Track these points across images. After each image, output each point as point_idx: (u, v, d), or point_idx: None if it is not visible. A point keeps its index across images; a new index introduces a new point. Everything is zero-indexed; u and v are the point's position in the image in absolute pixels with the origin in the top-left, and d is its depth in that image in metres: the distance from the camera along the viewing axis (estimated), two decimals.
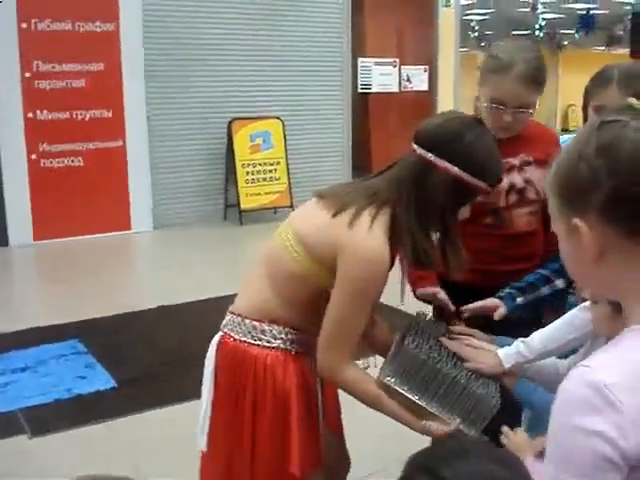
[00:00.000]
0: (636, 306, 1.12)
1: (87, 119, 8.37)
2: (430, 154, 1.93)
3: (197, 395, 4.34)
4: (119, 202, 8.60)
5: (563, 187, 1.15)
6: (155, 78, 8.77)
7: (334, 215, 1.94)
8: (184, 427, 3.88)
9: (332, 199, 2.00)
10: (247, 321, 2.09)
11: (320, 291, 1.98)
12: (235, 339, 2.10)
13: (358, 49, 10.58)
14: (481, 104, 2.50)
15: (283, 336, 2.05)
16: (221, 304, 6.48)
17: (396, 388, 1.91)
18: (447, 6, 11.21)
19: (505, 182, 2.47)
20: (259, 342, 2.06)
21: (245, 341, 2.08)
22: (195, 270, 7.16)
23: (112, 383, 4.47)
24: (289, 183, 9.58)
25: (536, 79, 2.46)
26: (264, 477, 2.07)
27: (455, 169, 1.91)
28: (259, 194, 9.38)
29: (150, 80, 8.72)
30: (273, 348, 2.05)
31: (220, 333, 2.17)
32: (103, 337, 5.30)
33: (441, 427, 1.88)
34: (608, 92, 2.32)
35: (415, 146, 1.98)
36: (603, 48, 21.78)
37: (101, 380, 4.51)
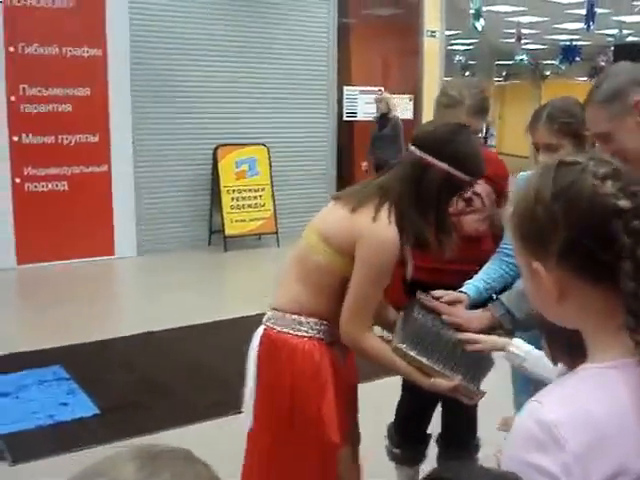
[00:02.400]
0: (592, 346, 1.15)
1: (73, 144, 8.38)
2: (426, 155, 2.27)
3: (181, 422, 4.35)
4: (103, 227, 8.59)
5: (522, 229, 1.17)
6: (141, 104, 8.79)
7: (352, 210, 2.28)
8: None
9: (348, 198, 2.35)
10: (287, 315, 2.39)
11: (345, 280, 2.30)
12: (277, 330, 2.40)
13: (344, 78, 10.67)
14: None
15: (318, 327, 2.37)
16: (205, 330, 6.54)
17: (407, 352, 2.22)
18: (432, 36, 11.33)
19: None
20: (298, 332, 2.37)
21: (287, 332, 2.38)
22: (179, 296, 7.14)
23: (94, 410, 4.43)
24: (274, 210, 9.60)
25: (481, 109, 2.88)
26: (304, 450, 2.38)
27: (445, 166, 2.25)
28: (244, 220, 9.39)
29: (136, 106, 8.75)
30: (309, 337, 2.37)
31: (263, 327, 2.46)
32: (86, 363, 5.27)
33: (446, 383, 2.19)
34: (539, 129, 2.62)
35: (413, 148, 2.32)
36: (586, 78, 22.06)
37: (83, 407, 4.48)
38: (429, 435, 3.26)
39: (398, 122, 9.91)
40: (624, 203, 1.08)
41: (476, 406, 2.94)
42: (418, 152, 2.30)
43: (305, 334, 2.37)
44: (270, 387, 2.42)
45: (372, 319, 2.33)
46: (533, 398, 1.12)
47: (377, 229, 2.23)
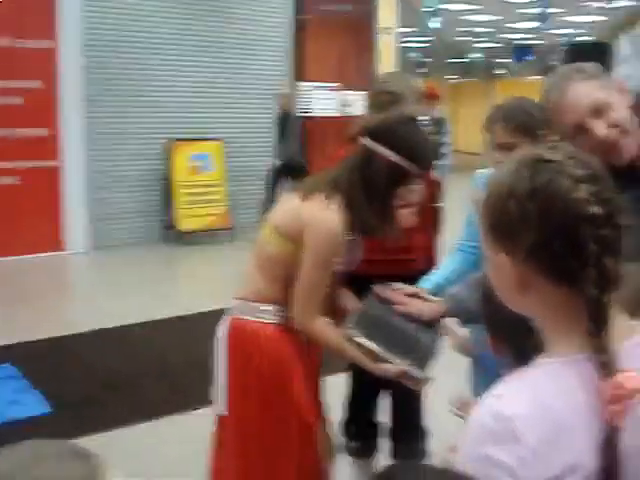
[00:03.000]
0: (549, 340, 1.16)
1: (23, 137, 8.23)
2: (374, 143, 2.32)
3: (136, 419, 4.30)
4: (53, 222, 8.47)
5: (491, 220, 1.16)
6: (94, 97, 8.68)
7: (302, 199, 2.36)
8: (122, 452, 3.84)
9: (302, 189, 2.42)
10: (249, 303, 2.47)
11: (297, 267, 2.36)
12: (241, 319, 2.48)
13: (298, 73, 10.65)
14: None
15: (279, 314, 2.44)
16: (159, 326, 6.47)
17: (356, 338, 2.26)
18: (386, 33, 11.37)
19: None
20: (259, 319, 2.46)
21: (249, 319, 2.47)
22: (132, 292, 7.07)
23: (47, 408, 4.36)
24: (229, 205, 9.56)
25: (419, 100, 3.11)
26: (273, 430, 2.46)
27: (391, 154, 2.29)
28: (198, 216, 9.33)
29: (88, 99, 8.63)
30: (271, 323, 2.45)
31: (228, 317, 2.53)
32: (37, 361, 5.18)
33: (393, 368, 2.22)
34: (495, 128, 2.65)
35: (360, 137, 2.36)
36: (538, 77, 22.35)
37: (35, 405, 4.39)
38: (378, 423, 3.32)
39: (297, 121, 9.55)
40: (596, 209, 1.07)
41: (419, 397, 3.12)
42: (365, 140, 2.35)
43: (266, 320, 2.45)
44: (241, 372, 2.49)
45: (320, 304, 2.38)
46: (489, 392, 1.12)
47: (323, 217, 2.30)
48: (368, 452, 3.30)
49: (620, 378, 1.04)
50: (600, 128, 1.98)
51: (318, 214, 2.31)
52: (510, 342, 1.66)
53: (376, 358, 2.25)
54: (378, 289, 2.48)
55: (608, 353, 1.07)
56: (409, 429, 3.27)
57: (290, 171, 9.18)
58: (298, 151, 9.22)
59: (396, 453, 3.24)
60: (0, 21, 8.00)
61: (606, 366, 1.06)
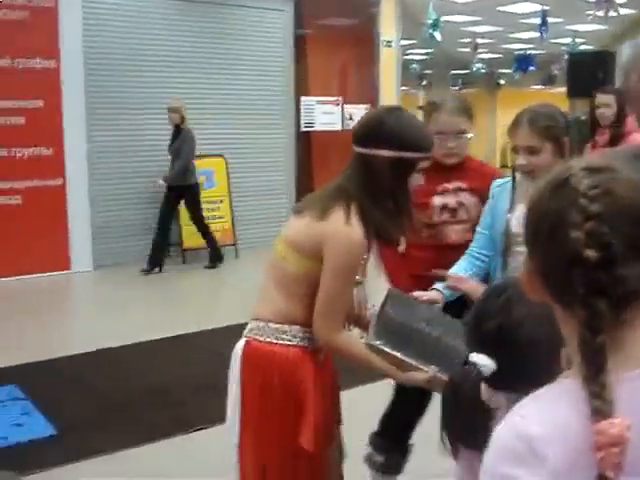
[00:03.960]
0: (573, 356, 1.12)
1: (26, 157, 8.24)
2: (363, 148, 2.31)
3: (139, 441, 4.26)
4: (58, 241, 8.45)
5: (526, 225, 1.14)
6: (96, 116, 8.69)
7: (320, 217, 2.30)
8: (126, 475, 3.81)
9: (311, 208, 2.36)
10: (270, 324, 2.39)
11: (318, 284, 2.33)
12: (260, 341, 2.39)
13: (301, 88, 10.65)
14: None
15: (301, 334, 2.38)
16: (163, 346, 6.43)
17: (380, 347, 2.23)
18: (388, 46, 11.37)
19: (439, 202, 3.15)
20: (281, 341, 2.38)
21: (270, 341, 2.38)
22: (136, 311, 7.04)
23: (51, 431, 4.32)
24: (232, 221, 9.54)
25: (462, 110, 3.16)
26: (289, 455, 2.39)
27: (386, 152, 2.26)
28: None
29: (91, 118, 8.63)
30: (293, 345, 2.37)
31: (244, 339, 2.44)
32: (41, 382, 5.15)
33: (422, 376, 2.19)
34: (520, 131, 2.71)
35: (353, 146, 2.35)
36: (540, 87, 22.33)
37: (39, 428, 4.36)
38: (411, 445, 3.32)
39: (188, 135, 8.68)
40: (590, 253, 1.02)
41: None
42: (357, 148, 2.33)
43: (289, 342, 2.38)
44: (257, 397, 2.40)
45: (344, 318, 2.36)
46: (512, 412, 1.10)
47: (343, 230, 2.26)
48: (396, 468, 3.29)
49: (603, 425, 1.00)
50: None
51: (338, 228, 2.27)
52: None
53: (402, 366, 2.23)
54: (394, 292, 2.49)
55: (601, 399, 1.03)
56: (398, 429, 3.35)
57: (178, 193, 8.65)
58: (185, 171, 8.57)
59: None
60: (2, 41, 8.00)
61: (598, 412, 1.02)
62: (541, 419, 1.06)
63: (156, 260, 8.66)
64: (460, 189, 3.16)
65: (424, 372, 2.20)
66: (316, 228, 2.30)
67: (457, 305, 2.68)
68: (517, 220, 2.76)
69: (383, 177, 2.29)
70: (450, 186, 3.17)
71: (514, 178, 2.86)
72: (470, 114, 3.20)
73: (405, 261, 3.21)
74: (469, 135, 3.16)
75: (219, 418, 4.14)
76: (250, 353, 2.40)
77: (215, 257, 9.01)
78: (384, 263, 3.27)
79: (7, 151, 8.15)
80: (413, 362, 2.21)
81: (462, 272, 2.82)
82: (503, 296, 1.58)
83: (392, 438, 3.28)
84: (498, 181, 2.99)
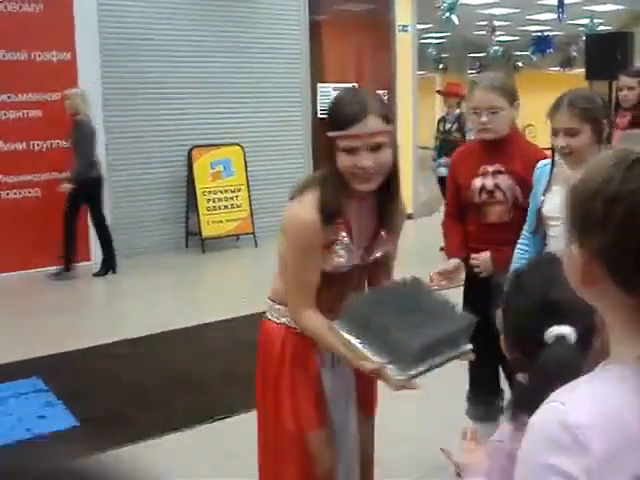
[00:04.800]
0: (615, 344, 1.11)
1: (44, 149, 8.27)
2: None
3: (161, 432, 4.28)
4: (78, 233, 8.47)
5: (574, 211, 1.12)
6: (113, 107, 8.70)
7: (290, 200, 2.38)
8: (149, 465, 3.82)
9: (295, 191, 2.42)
10: (270, 302, 2.54)
11: None
12: (265, 318, 2.55)
13: (317, 75, 10.61)
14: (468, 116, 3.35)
15: (286, 314, 2.45)
16: (185, 335, 6.45)
17: (339, 332, 2.22)
18: (404, 31, 11.30)
19: (479, 183, 3.32)
20: (272, 318, 2.51)
21: (268, 319, 2.53)
22: (157, 300, 7.07)
23: (73, 422, 4.35)
24: (251, 210, 9.54)
25: (498, 87, 3.23)
26: (273, 433, 2.50)
27: (331, 133, 2.26)
28: (221, 221, 9.32)
29: (108, 109, 8.65)
30: (279, 324, 2.48)
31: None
32: (64, 374, 5.18)
33: (368, 365, 2.15)
34: (560, 114, 2.83)
35: None
36: (558, 69, 22.14)
37: (62, 419, 4.40)
38: (502, 390, 3.56)
39: (86, 125, 7.86)
40: None
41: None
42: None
43: (276, 320, 2.49)
44: (260, 373, 2.54)
45: (310, 298, 2.36)
46: (552, 398, 1.08)
47: (295, 211, 2.33)
48: (493, 416, 3.45)
49: None
50: None
51: (292, 210, 2.34)
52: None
53: (354, 353, 2.21)
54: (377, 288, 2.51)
55: None
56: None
57: (84, 190, 7.84)
58: (88, 165, 7.78)
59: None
60: (18, 35, 8.02)
61: None
62: (586, 407, 1.04)
63: (110, 262, 8.23)
64: (499, 172, 3.30)
65: (371, 362, 2.16)
66: (286, 209, 2.41)
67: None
68: (551, 203, 2.86)
69: (325, 158, 2.35)
70: (490, 168, 3.31)
71: (553, 160, 3.02)
72: (507, 92, 3.27)
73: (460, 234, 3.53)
74: (504, 112, 3.24)
75: (242, 407, 4.19)
76: (258, 331, 2.57)
77: (109, 265, 8.24)
78: (444, 234, 3.65)
79: (26, 144, 8.18)
80: (364, 351, 2.18)
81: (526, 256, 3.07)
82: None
83: (485, 391, 3.54)
84: (540, 163, 3.16)
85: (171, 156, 9.20)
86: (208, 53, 9.40)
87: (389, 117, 2.31)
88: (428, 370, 2.16)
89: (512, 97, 3.28)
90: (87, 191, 7.88)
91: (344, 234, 2.36)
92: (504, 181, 3.28)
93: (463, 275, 3.45)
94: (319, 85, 10.62)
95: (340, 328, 2.23)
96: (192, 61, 9.26)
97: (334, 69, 10.91)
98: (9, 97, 8.03)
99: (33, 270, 8.05)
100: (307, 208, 2.30)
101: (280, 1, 10.02)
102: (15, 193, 8.15)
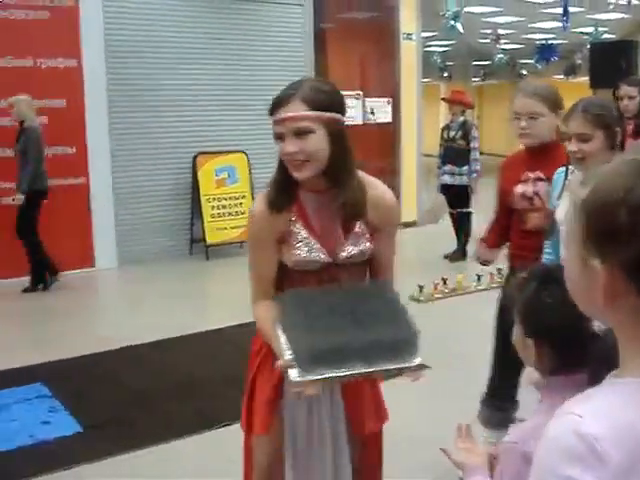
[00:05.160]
0: (631, 359, 1.10)
1: (50, 156, 8.28)
2: None
3: (165, 438, 4.28)
4: (82, 239, 8.51)
5: (591, 222, 1.06)
6: (118, 113, 8.73)
7: None
8: (152, 471, 3.83)
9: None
10: None
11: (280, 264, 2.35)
12: None
13: None
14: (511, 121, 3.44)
15: None
16: (189, 342, 6.46)
17: (275, 327, 2.14)
18: (408, 39, 11.33)
19: (520, 189, 3.42)
20: None
21: None
22: (161, 308, 7.08)
23: (77, 428, 4.36)
24: None
25: (539, 94, 3.32)
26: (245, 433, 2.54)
27: None
28: (225, 229, 9.34)
29: (113, 116, 8.68)
30: None
31: None
32: (68, 379, 5.19)
33: (279, 363, 2.02)
34: (574, 119, 2.91)
35: None
36: (562, 77, 22.14)
37: (65, 425, 4.40)
38: (518, 400, 3.63)
39: (32, 135, 7.43)
40: None
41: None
42: None
43: None
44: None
45: (261, 291, 2.35)
46: (567, 409, 1.07)
47: (252, 204, 2.38)
48: (506, 423, 3.41)
49: None
50: None
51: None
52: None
53: (278, 348, 2.09)
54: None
55: None
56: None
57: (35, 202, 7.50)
58: (27, 178, 7.37)
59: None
60: (23, 41, 8.06)
61: None
62: (602, 419, 1.04)
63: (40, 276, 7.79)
64: (540, 179, 3.38)
65: (282, 360, 2.03)
66: None
67: None
68: (561, 208, 2.97)
69: None
70: (532, 175, 3.40)
71: (567, 167, 3.12)
72: (549, 99, 3.33)
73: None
74: (544, 118, 3.31)
75: None
76: None
77: (38, 279, 7.78)
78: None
79: None
80: (283, 347, 2.05)
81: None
82: None
83: (502, 397, 3.60)
84: (560, 169, 3.22)
85: (176, 163, 9.22)
86: (213, 61, 9.43)
87: (320, 103, 2.19)
88: (341, 378, 2.01)
89: (554, 105, 3.34)
90: (31, 201, 7.46)
91: (300, 227, 2.28)
92: (543, 188, 3.35)
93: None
94: None
95: (277, 323, 2.15)
96: (197, 68, 9.29)
97: (338, 77, 10.90)
98: None
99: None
100: (258, 200, 2.32)
101: (285, 9, 10.05)
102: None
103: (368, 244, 2.31)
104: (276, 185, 2.29)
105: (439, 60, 21.96)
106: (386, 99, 11.29)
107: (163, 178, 9.19)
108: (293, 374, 1.96)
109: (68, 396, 4.84)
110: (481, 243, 3.74)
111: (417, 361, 1.99)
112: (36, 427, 4.38)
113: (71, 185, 8.48)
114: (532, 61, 20.39)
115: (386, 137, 11.35)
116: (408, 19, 11.33)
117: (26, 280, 7.75)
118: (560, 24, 12.90)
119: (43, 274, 7.77)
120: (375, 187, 2.35)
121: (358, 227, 2.29)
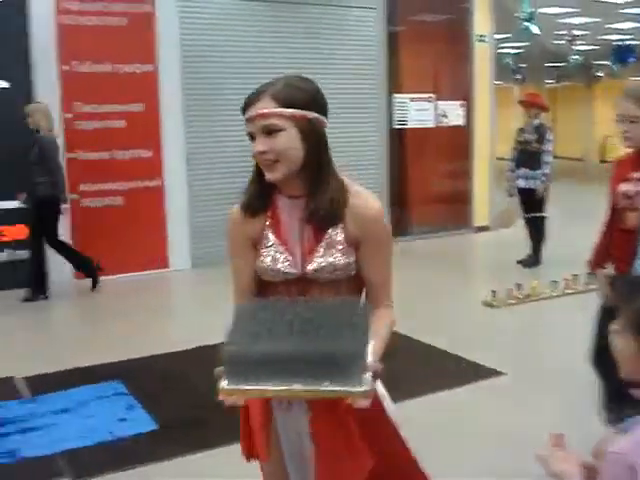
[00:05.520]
0: None
1: (127, 159, 8.49)
2: None
3: (237, 439, 4.31)
4: (158, 240, 8.68)
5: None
6: (194, 118, 8.88)
7: None
8: (227, 470, 3.87)
9: None
10: None
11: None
12: None
13: (394, 85, 10.62)
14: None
15: None
16: None
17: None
18: (481, 41, 11.23)
19: (623, 188, 3.44)
20: None
21: None
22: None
23: (153, 426, 4.45)
24: None
25: (636, 97, 3.30)
26: None
27: None
28: None
29: (189, 120, 8.83)
30: None
31: None
32: (144, 378, 5.31)
33: (216, 369, 1.88)
34: (627, 104, 3.16)
35: None
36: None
37: (142, 423, 4.50)
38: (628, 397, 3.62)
39: (46, 145, 7.31)
40: None
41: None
42: None
43: None
44: None
45: (238, 294, 2.33)
46: (614, 449, 1.09)
47: None
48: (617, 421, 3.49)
49: None
50: None
51: None
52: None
53: None
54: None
55: None
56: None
57: (47, 210, 7.36)
58: (47, 186, 7.29)
59: None
60: (102, 48, 8.26)
61: None
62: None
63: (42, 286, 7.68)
64: None
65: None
66: None
67: None
68: None
69: None
70: (636, 175, 3.42)
71: None
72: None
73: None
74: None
75: None
76: None
77: (38, 288, 7.63)
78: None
79: (109, 154, 8.41)
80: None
81: None
82: None
83: (620, 397, 3.54)
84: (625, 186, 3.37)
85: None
86: (285, 64, 9.48)
87: (291, 100, 2.06)
88: (276, 392, 1.83)
89: None
90: (49, 211, 7.36)
91: (271, 234, 2.16)
92: None
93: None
94: (395, 96, 10.61)
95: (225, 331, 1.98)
96: (269, 72, 9.27)
97: (411, 80, 10.88)
98: (94, 108, 8.27)
99: (115, 276, 8.24)
100: (236, 204, 2.27)
101: (357, 13, 10.08)
102: (99, 201, 8.39)
103: (343, 257, 2.08)
104: (251, 188, 2.24)
105: (512, 62, 21.71)
106: (459, 102, 11.21)
107: (237, 181, 9.22)
108: (224, 382, 1.85)
109: (144, 394, 4.94)
110: (596, 269, 3.69)
111: (363, 388, 1.75)
112: (114, 424, 4.47)
113: (147, 187, 8.66)
114: (608, 62, 19.99)
115: (458, 140, 11.27)
116: (481, 21, 11.24)
117: (102, 280, 7.93)
118: (638, 24, 12.63)
119: (44, 282, 7.65)
120: (358, 196, 2.14)
121: (330, 236, 2.09)
